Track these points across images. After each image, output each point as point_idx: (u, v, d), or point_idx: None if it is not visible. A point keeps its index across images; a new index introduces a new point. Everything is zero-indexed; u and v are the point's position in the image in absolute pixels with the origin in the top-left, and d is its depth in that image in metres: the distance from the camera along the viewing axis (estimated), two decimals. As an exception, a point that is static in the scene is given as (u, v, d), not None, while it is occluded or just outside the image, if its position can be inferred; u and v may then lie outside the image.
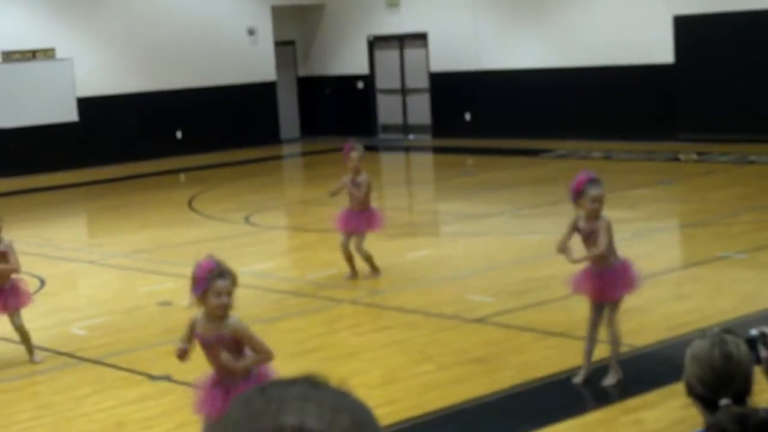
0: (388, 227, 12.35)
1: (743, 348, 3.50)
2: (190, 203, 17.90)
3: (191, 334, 6.07)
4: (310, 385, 1.39)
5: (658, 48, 21.74)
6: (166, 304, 10.88)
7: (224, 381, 6.00)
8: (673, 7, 21.44)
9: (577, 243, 7.83)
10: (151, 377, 8.52)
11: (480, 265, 11.94)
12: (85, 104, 23.45)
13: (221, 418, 1.39)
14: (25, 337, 9.18)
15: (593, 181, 7.73)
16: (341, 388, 1.40)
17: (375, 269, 11.52)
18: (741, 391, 3.40)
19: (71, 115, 23.36)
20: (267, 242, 14.36)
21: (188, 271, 12.82)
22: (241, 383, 5.92)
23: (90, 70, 23.42)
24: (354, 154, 11.23)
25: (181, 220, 16.31)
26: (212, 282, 5.83)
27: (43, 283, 12.26)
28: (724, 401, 3.34)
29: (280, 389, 1.38)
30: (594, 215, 7.67)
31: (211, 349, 5.99)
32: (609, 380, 7.76)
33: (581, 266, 7.84)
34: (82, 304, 10.94)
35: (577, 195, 7.72)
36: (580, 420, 7.06)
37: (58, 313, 10.80)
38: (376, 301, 10.61)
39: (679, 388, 3.56)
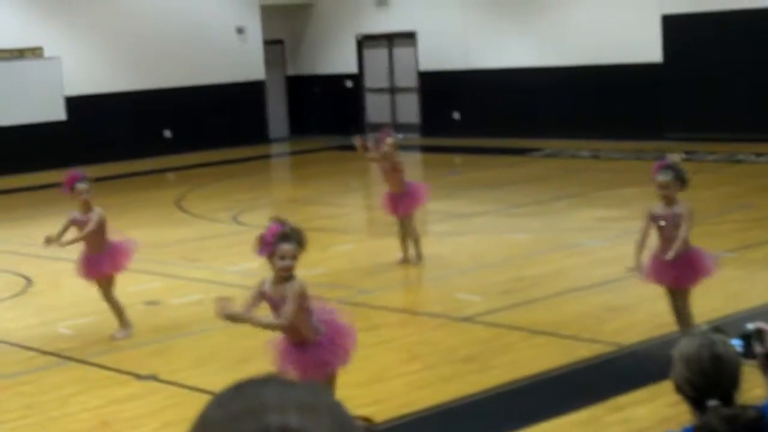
0: (375, 225, 12.36)
1: (731, 348, 3.49)
2: (178, 202, 17.86)
3: (257, 298, 6.35)
4: (282, 383, 1.38)
5: (646, 47, 21.77)
6: (153, 303, 10.85)
7: (295, 342, 6.41)
8: (662, 7, 21.47)
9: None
10: (138, 377, 8.49)
11: (468, 264, 11.93)
12: (73, 103, 23.39)
13: (198, 419, 1.36)
14: (114, 308, 9.58)
15: (662, 167, 7.98)
16: (313, 385, 1.38)
17: (419, 255, 11.83)
18: (729, 391, 3.39)
19: (59, 114, 23.30)
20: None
21: (177, 270, 12.83)
22: (312, 344, 6.39)
23: (78, 69, 23.36)
24: (390, 140, 11.75)
25: (169, 219, 16.28)
26: (277, 245, 6.15)
27: (29, 282, 12.22)
28: (712, 402, 3.33)
29: (255, 388, 1.37)
30: (665, 202, 7.97)
31: (277, 311, 6.31)
32: None
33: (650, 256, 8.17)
34: (68, 303, 10.90)
35: (654, 182, 8.04)
36: (567, 418, 7.05)
37: (44, 313, 10.77)
38: (364, 300, 10.59)
39: (666, 386, 3.56)
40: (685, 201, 8.07)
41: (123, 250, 9.69)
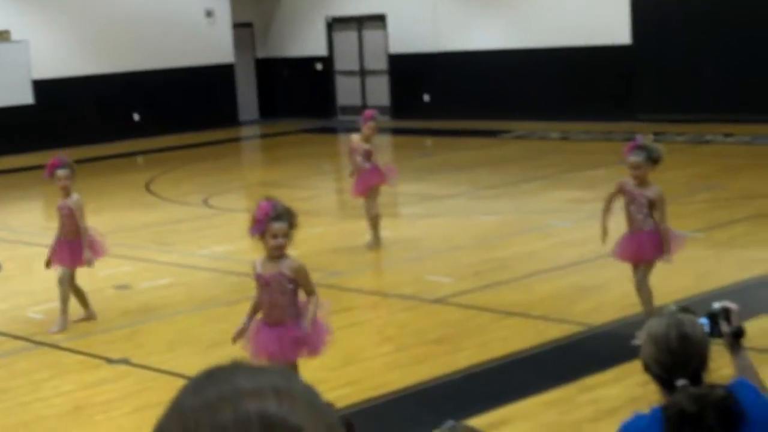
0: (345, 208, 12.35)
1: (699, 328, 3.52)
2: (147, 186, 17.79)
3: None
4: (253, 369, 1.35)
5: (615, 29, 21.84)
6: (123, 287, 10.82)
7: (274, 322, 6.44)
8: (630, -12, 21.53)
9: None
10: (109, 361, 8.47)
11: (439, 245, 11.96)
12: (41, 86, 23.22)
13: (172, 408, 1.33)
14: (63, 297, 9.40)
15: (634, 148, 8.10)
16: (284, 370, 1.36)
17: (376, 236, 11.76)
18: (697, 370, 3.42)
19: (26, 97, 23.13)
20: (225, 225, 14.31)
21: (147, 254, 12.77)
22: (291, 324, 6.41)
23: (46, 53, 23.18)
24: (371, 123, 11.74)
25: (138, 203, 16.22)
26: (269, 224, 6.21)
27: (-1, 267, 12.14)
28: (680, 382, 3.36)
29: (228, 374, 1.34)
30: (637, 182, 8.08)
31: (268, 287, 6.41)
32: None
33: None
34: (39, 288, 10.84)
35: (626, 163, 8.18)
36: (537, 399, 7.10)
37: (15, 297, 10.72)
38: (335, 282, 10.60)
39: (635, 365, 3.60)
40: (655, 185, 8.14)
41: (98, 245, 9.61)
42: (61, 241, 9.51)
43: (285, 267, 6.37)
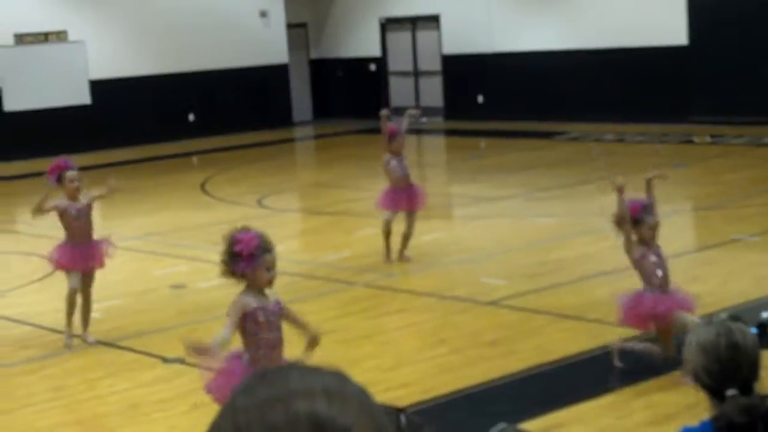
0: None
1: (750, 336, 3.45)
2: (202, 186, 17.91)
3: (241, 316, 5.88)
4: (307, 370, 1.37)
5: (671, 30, 21.64)
6: (179, 286, 10.89)
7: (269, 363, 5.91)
8: (687, -11, 21.32)
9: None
10: (165, 360, 8.53)
11: (493, 247, 11.92)
12: (98, 87, 23.46)
13: (225, 407, 1.35)
14: (84, 307, 8.98)
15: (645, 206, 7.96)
16: (338, 372, 1.38)
17: (388, 248, 11.40)
18: (748, 380, 3.36)
19: (84, 97, 23.38)
20: (280, 225, 14.35)
21: (202, 254, 12.82)
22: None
23: (102, 53, 23.42)
24: (399, 139, 11.75)
25: (193, 203, 16.33)
26: (262, 257, 5.73)
27: (56, 265, 12.27)
28: (730, 392, 3.30)
29: (281, 375, 1.36)
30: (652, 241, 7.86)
31: (275, 319, 5.91)
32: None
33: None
34: (95, 287, 10.92)
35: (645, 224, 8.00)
36: (593, 403, 7.05)
37: (72, 296, 10.81)
38: (389, 284, 10.61)
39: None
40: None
41: (104, 246, 9.12)
42: (76, 245, 8.95)
43: (275, 299, 5.94)
